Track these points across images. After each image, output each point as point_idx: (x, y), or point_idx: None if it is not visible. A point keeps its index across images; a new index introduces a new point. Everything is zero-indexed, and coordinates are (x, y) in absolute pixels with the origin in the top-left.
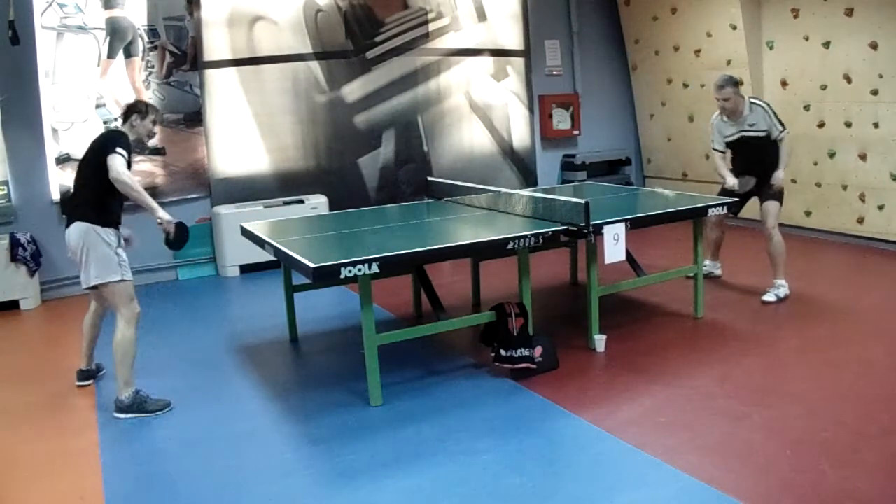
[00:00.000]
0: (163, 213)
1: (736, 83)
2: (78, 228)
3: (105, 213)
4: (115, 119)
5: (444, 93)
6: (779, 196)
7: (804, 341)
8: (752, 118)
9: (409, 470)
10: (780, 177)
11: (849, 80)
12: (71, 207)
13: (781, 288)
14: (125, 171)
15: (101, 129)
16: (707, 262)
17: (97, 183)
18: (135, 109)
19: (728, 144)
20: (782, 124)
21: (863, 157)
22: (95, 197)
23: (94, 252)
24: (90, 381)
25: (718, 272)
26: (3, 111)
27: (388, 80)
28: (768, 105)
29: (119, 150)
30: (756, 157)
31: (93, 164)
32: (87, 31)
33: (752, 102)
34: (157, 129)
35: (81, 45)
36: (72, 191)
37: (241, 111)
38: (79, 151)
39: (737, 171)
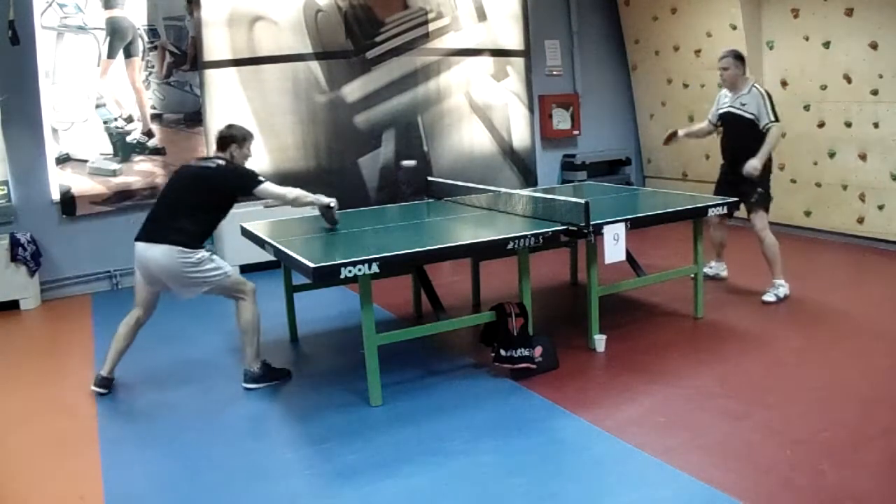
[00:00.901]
0: (325, 199)
1: (738, 56)
2: (167, 252)
3: (200, 237)
4: (115, 119)
5: (444, 93)
6: (762, 202)
7: (804, 341)
8: (746, 98)
9: (409, 470)
10: (752, 165)
11: (849, 80)
12: (161, 229)
13: (781, 288)
14: (288, 189)
15: (101, 129)
16: (713, 264)
17: (201, 213)
18: (232, 140)
19: (718, 118)
20: (776, 116)
21: (863, 157)
22: (195, 226)
23: (193, 271)
24: (107, 391)
25: (724, 273)
26: (3, 111)
27: (388, 80)
28: (768, 94)
29: (261, 178)
30: (732, 137)
31: (212, 195)
32: (87, 31)
33: (753, 86)
34: (252, 153)
35: (81, 45)
36: (157, 212)
37: (241, 111)
38: (79, 151)
39: (721, 150)
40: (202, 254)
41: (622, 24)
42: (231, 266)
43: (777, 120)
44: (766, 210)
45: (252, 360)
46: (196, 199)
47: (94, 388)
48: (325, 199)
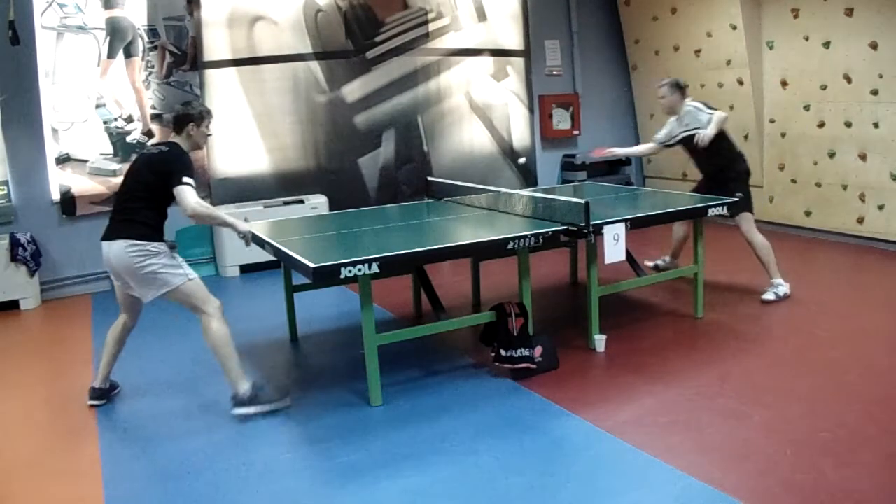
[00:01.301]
0: (242, 226)
1: (675, 85)
2: (123, 246)
3: (158, 229)
4: (115, 119)
5: (444, 93)
6: (744, 206)
7: (804, 341)
8: (686, 119)
9: (410, 470)
10: (703, 135)
11: (849, 80)
12: (115, 225)
13: (780, 287)
14: (199, 203)
15: (101, 129)
16: (666, 259)
17: (152, 202)
18: (189, 118)
19: (678, 143)
20: (711, 108)
21: (863, 157)
22: (152, 215)
23: (149, 265)
24: (104, 401)
25: (671, 265)
26: (3, 111)
27: (388, 80)
28: (699, 103)
29: (186, 179)
30: (699, 157)
31: (152, 184)
32: (87, 31)
33: (686, 105)
34: (211, 131)
35: (81, 45)
36: (115, 206)
37: (241, 111)
38: (79, 151)
39: (699, 169)
40: (157, 247)
41: (622, 24)
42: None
43: (714, 109)
44: (751, 211)
45: (237, 382)
46: (144, 189)
47: (90, 402)
48: (242, 226)
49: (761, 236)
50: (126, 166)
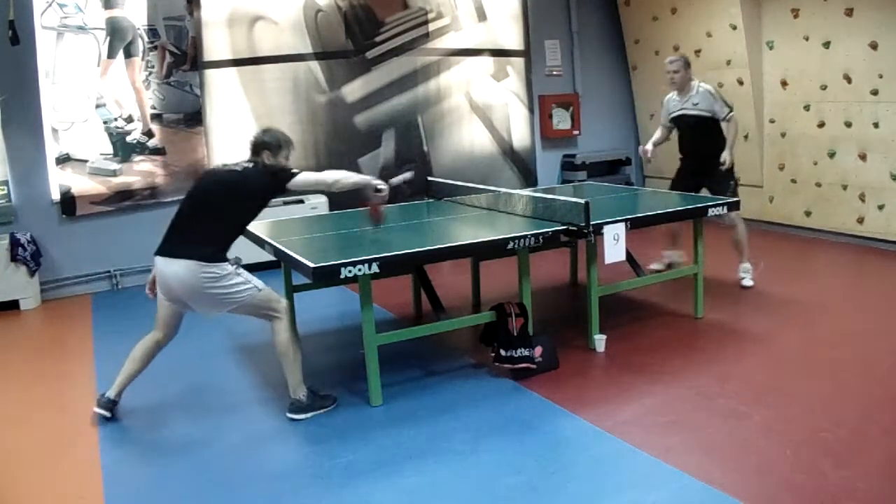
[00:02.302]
0: (375, 181)
1: (687, 62)
2: (188, 267)
3: (224, 249)
4: (115, 119)
5: (444, 93)
6: (735, 192)
7: (804, 341)
8: (696, 98)
9: (409, 470)
10: (725, 157)
11: (849, 80)
12: (180, 241)
13: (750, 271)
14: (327, 173)
15: (101, 129)
16: (667, 252)
17: (229, 220)
18: (265, 146)
19: (672, 121)
20: (729, 106)
21: (863, 157)
22: (221, 234)
23: (217, 287)
24: (110, 415)
25: (680, 260)
26: (3, 111)
27: (388, 80)
28: (715, 88)
29: (294, 170)
30: (693, 137)
31: (237, 203)
32: (87, 31)
33: (700, 85)
34: (290, 164)
35: (81, 45)
36: (179, 223)
37: (241, 111)
38: (79, 151)
39: (680, 150)
40: (227, 268)
41: (622, 24)
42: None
43: (732, 109)
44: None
45: (296, 388)
46: (220, 208)
47: (97, 409)
48: (374, 181)
49: (743, 224)
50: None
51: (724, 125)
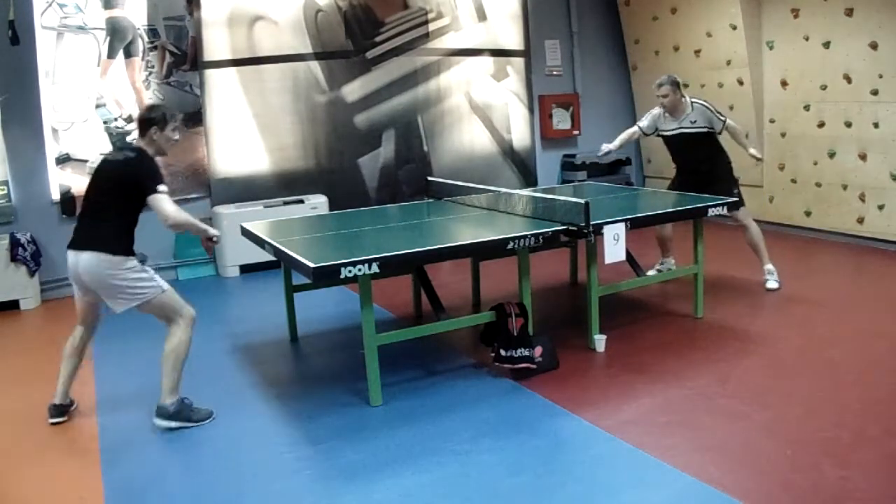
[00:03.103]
0: (213, 230)
1: (676, 83)
2: (94, 259)
3: (128, 242)
4: (115, 119)
5: (444, 93)
6: (741, 199)
7: (804, 341)
8: (693, 116)
9: (409, 470)
10: (754, 153)
11: (849, 80)
12: (84, 234)
13: (774, 272)
14: (177, 210)
15: (101, 129)
16: (663, 260)
17: (121, 213)
18: (151, 122)
19: (666, 140)
20: (721, 115)
21: (863, 157)
22: (121, 225)
23: (121, 279)
24: (65, 418)
25: (673, 266)
26: (3, 111)
27: (388, 80)
28: (709, 103)
29: (161, 187)
30: (696, 154)
31: (119, 194)
32: (87, 31)
33: (693, 102)
34: (177, 135)
35: (81, 45)
36: (83, 214)
37: (241, 111)
38: (79, 151)
39: (677, 165)
40: (131, 262)
41: (622, 24)
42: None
43: (724, 118)
44: (742, 202)
45: (168, 393)
46: (111, 199)
47: (51, 420)
48: (213, 231)
49: (755, 224)
50: None
51: (726, 133)
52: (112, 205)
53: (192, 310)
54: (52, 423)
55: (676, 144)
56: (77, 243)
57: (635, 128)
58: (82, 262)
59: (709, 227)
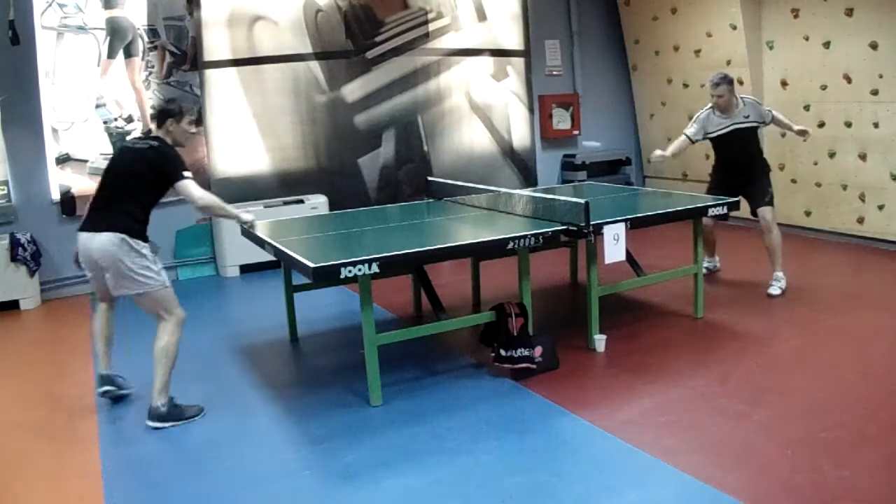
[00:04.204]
0: (245, 215)
1: (731, 81)
2: (111, 239)
3: (143, 227)
4: (115, 119)
5: (444, 93)
6: (770, 201)
7: (804, 341)
8: (747, 111)
9: (409, 470)
10: (803, 128)
11: (849, 80)
12: (100, 217)
13: (783, 280)
14: (206, 193)
15: (101, 129)
16: (705, 259)
17: (140, 199)
18: (169, 114)
19: (718, 139)
20: (767, 107)
21: (863, 157)
22: (138, 211)
23: (131, 262)
24: (114, 388)
25: (717, 265)
26: (3, 111)
27: (388, 80)
28: (753, 98)
29: (186, 173)
30: (744, 150)
31: (144, 180)
32: (87, 31)
33: (742, 98)
34: (194, 129)
35: (81, 45)
36: (99, 199)
37: (241, 111)
38: (79, 151)
39: (724, 164)
40: (146, 250)
41: (622, 24)
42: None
43: (770, 108)
44: (773, 204)
45: (158, 395)
46: (130, 186)
47: (100, 390)
48: (245, 216)
49: (778, 229)
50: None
51: (774, 123)
52: (131, 191)
53: (184, 313)
54: (103, 391)
55: (729, 142)
56: (92, 226)
57: (683, 137)
58: (97, 241)
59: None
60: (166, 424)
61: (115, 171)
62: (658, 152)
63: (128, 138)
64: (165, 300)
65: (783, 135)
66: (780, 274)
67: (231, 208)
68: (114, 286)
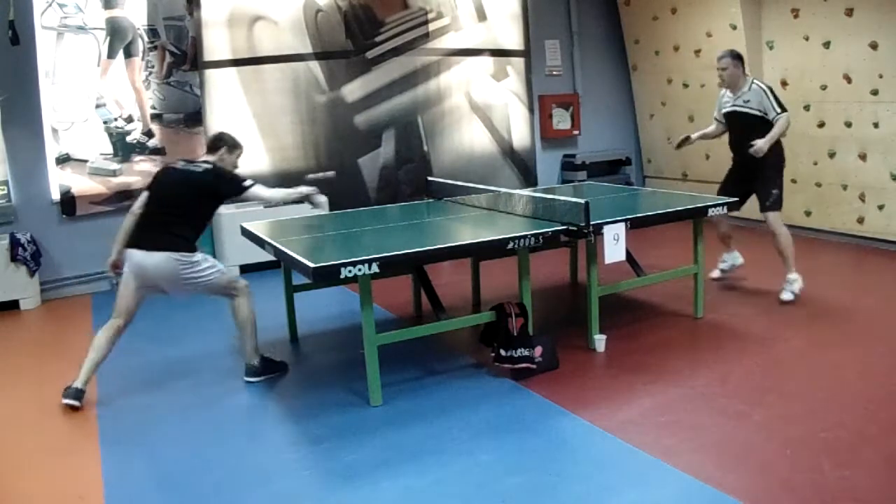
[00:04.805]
0: (307, 189)
1: (737, 56)
2: (166, 259)
3: (194, 241)
4: (115, 119)
5: (444, 93)
6: (776, 205)
7: (804, 341)
8: (749, 95)
9: (409, 470)
10: (759, 146)
11: (849, 80)
12: (154, 236)
13: (796, 283)
14: (271, 194)
15: (101, 130)
16: (725, 257)
17: (191, 219)
18: (225, 142)
19: (725, 121)
20: (782, 107)
21: (863, 157)
22: (189, 230)
23: (188, 273)
24: (80, 405)
25: (740, 260)
26: (3, 111)
27: (388, 80)
28: (770, 88)
29: (247, 182)
30: (742, 135)
31: (193, 202)
32: (87, 31)
33: (753, 81)
34: (238, 166)
35: (81, 45)
36: (151, 217)
37: (241, 111)
38: (79, 151)
39: (731, 148)
40: (199, 256)
41: (622, 24)
42: (226, 265)
43: (785, 110)
44: (780, 208)
45: (252, 355)
46: (188, 204)
47: (66, 400)
48: (305, 189)
49: (786, 229)
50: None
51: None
52: (184, 210)
53: (246, 281)
54: (67, 404)
55: (731, 126)
56: (146, 244)
57: (713, 123)
58: (153, 260)
59: (709, 227)
60: (261, 378)
61: (162, 192)
62: (688, 135)
63: (179, 164)
64: (227, 282)
65: (783, 134)
66: (792, 276)
67: (295, 192)
68: (174, 291)
